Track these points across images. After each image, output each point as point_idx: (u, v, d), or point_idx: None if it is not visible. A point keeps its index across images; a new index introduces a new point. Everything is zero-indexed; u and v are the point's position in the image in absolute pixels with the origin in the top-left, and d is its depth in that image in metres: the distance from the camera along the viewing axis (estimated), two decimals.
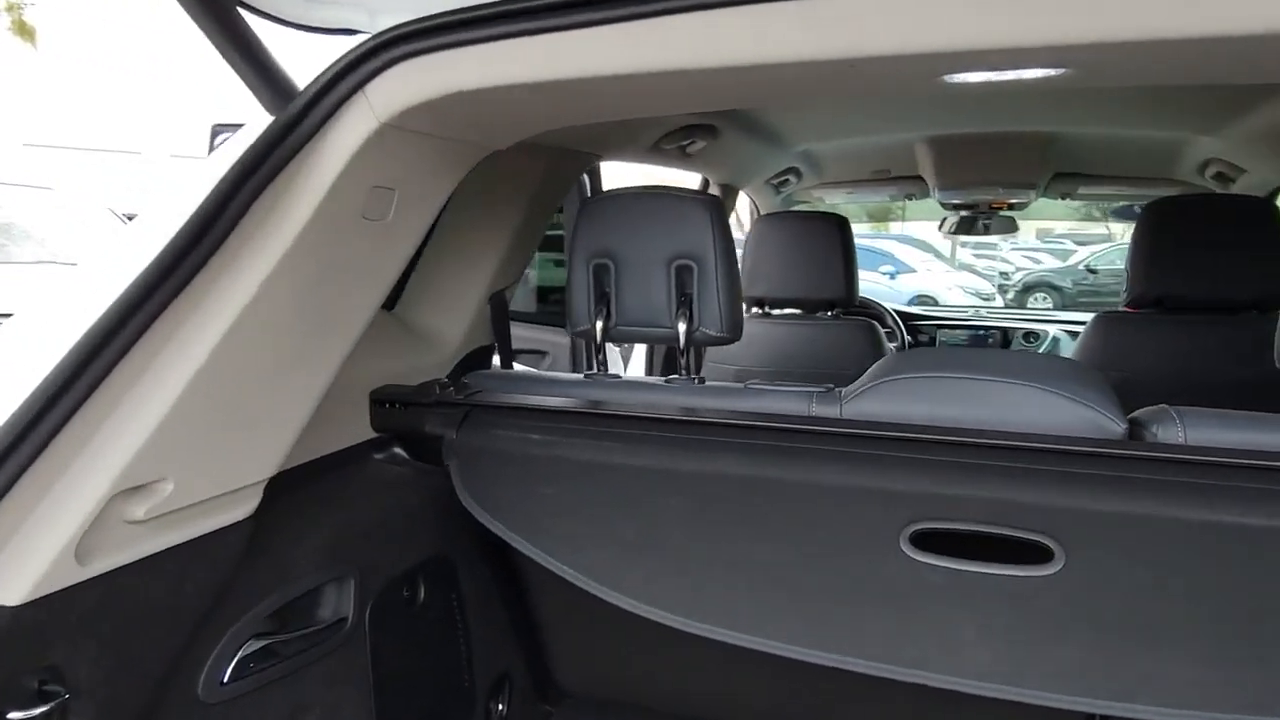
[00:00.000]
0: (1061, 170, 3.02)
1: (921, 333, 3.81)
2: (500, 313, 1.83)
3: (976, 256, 13.14)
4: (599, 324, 1.54)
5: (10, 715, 0.89)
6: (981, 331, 3.76)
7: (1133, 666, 1.00)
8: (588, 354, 1.60)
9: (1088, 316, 4.44)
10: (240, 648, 1.19)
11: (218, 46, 0.97)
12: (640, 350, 3.03)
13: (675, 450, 1.31)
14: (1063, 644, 1.03)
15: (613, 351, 3.19)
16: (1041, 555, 1.09)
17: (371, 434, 1.52)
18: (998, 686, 1.03)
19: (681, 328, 1.49)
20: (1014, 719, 1.14)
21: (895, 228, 11.37)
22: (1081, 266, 11.98)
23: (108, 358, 0.91)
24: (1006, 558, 1.12)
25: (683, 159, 2.26)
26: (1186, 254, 2.20)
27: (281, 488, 1.22)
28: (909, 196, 3.42)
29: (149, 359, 0.96)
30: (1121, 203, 3.53)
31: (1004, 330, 3.75)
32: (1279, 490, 1.04)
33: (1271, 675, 0.95)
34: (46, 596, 0.92)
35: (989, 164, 2.92)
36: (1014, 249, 13.26)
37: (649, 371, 3.02)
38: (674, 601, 1.20)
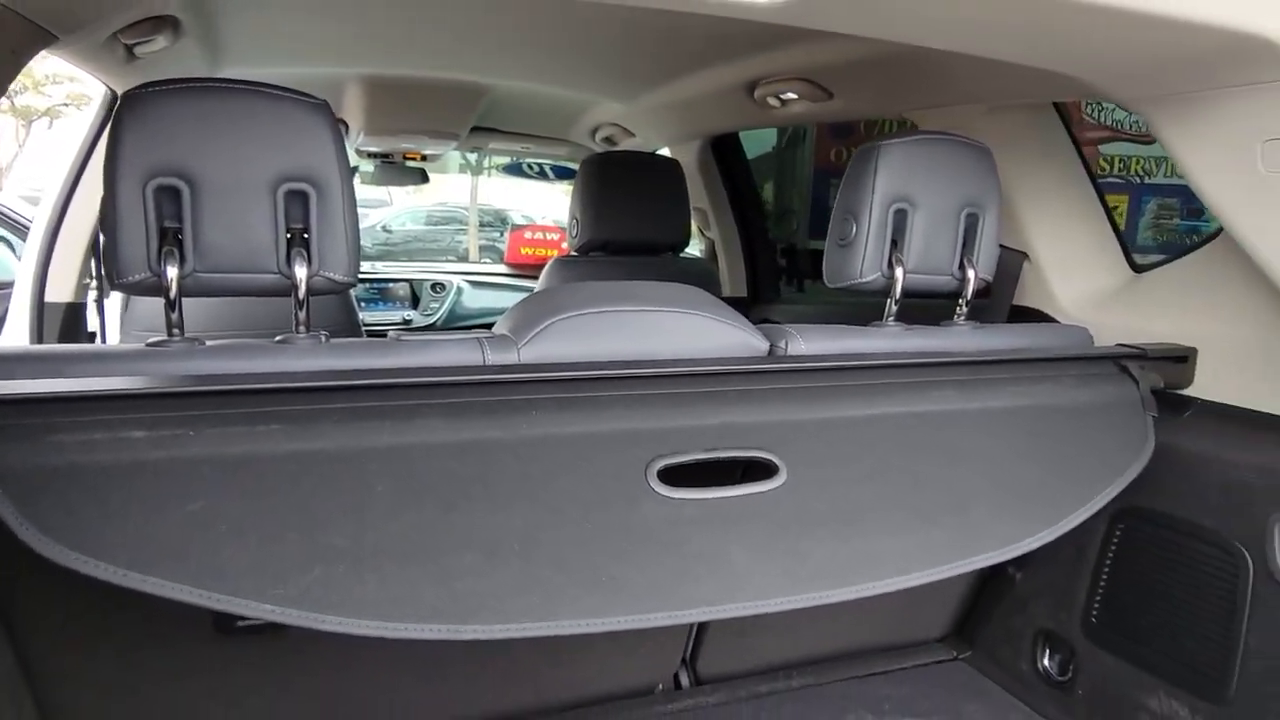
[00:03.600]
0: (479, 125, 3.15)
1: None
2: None
3: None
4: (171, 272, 1.10)
5: None
6: (391, 283, 3.72)
7: (863, 548, 1.15)
8: (177, 312, 1.13)
9: (478, 266, 4.77)
10: None
11: None
12: (19, 319, 2.23)
13: (364, 423, 1.03)
14: (813, 544, 1.13)
15: None
16: (767, 471, 1.17)
17: None
18: (782, 599, 1.08)
19: (300, 272, 1.16)
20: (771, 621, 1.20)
21: None
22: (379, 227, 12.82)
23: None
24: (740, 479, 1.17)
25: (130, 64, 1.71)
26: (623, 204, 2.53)
27: None
28: None
29: None
30: (511, 159, 3.83)
31: (411, 282, 3.78)
32: (918, 384, 1.30)
33: (949, 530, 1.20)
34: None
35: (422, 112, 2.88)
36: None
37: (37, 342, 2.23)
38: (431, 607, 0.95)
